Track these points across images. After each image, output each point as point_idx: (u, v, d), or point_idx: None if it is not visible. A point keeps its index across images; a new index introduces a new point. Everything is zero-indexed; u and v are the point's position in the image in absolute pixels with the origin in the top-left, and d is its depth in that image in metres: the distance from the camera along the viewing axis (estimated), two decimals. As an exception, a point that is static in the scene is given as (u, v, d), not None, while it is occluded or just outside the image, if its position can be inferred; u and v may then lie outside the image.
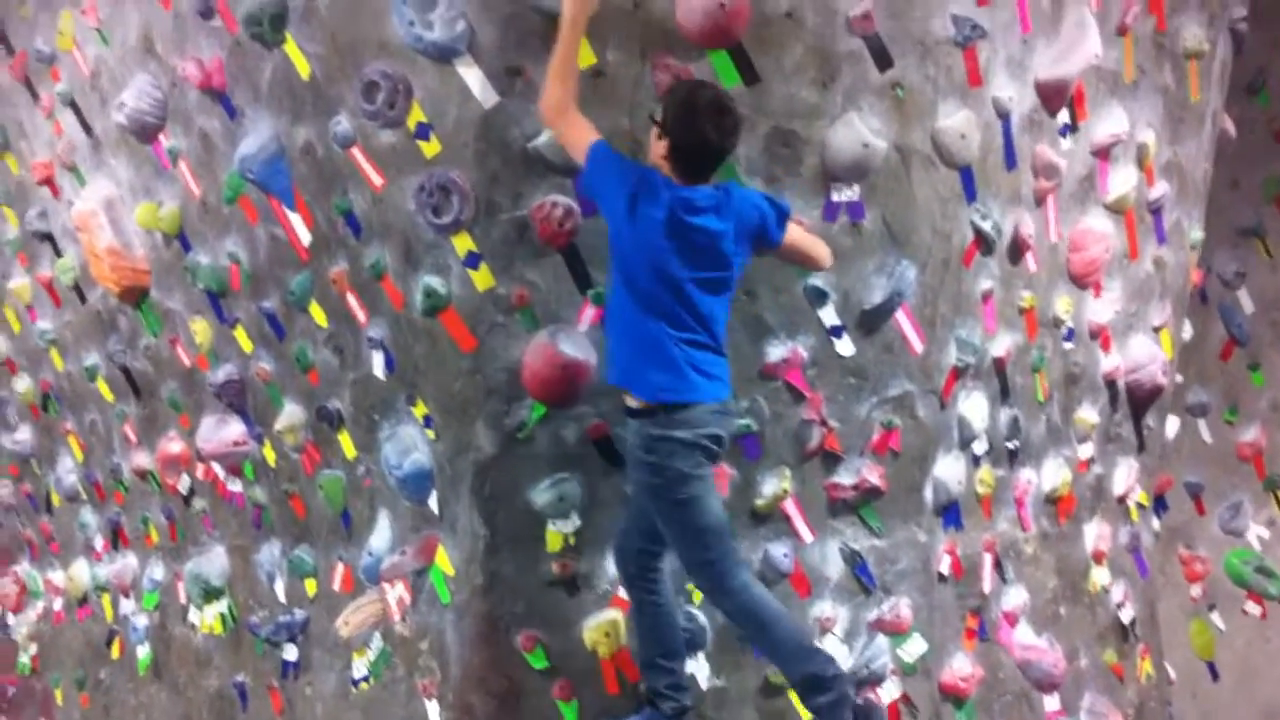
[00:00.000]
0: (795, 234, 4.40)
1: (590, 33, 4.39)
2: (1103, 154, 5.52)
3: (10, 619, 8.28)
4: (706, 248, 4.16)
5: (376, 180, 4.73)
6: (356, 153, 4.75)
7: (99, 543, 7.29)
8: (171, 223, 5.79)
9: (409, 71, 4.56)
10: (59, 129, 6.37)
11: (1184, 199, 6.09)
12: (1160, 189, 5.87)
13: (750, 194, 4.33)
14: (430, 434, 4.94)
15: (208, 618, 6.36)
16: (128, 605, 7.06)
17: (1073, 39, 5.12)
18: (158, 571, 6.80)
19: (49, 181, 6.54)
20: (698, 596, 4.83)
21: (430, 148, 4.60)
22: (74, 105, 6.21)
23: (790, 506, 4.91)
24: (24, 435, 7.67)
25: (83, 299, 6.62)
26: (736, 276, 4.30)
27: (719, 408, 4.25)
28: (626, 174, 4.17)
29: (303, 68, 4.85)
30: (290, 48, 4.85)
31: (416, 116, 4.59)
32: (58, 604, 7.79)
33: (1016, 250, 5.18)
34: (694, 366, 4.20)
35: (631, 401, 4.28)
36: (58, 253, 6.70)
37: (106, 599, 7.26)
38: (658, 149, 4.18)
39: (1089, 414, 5.84)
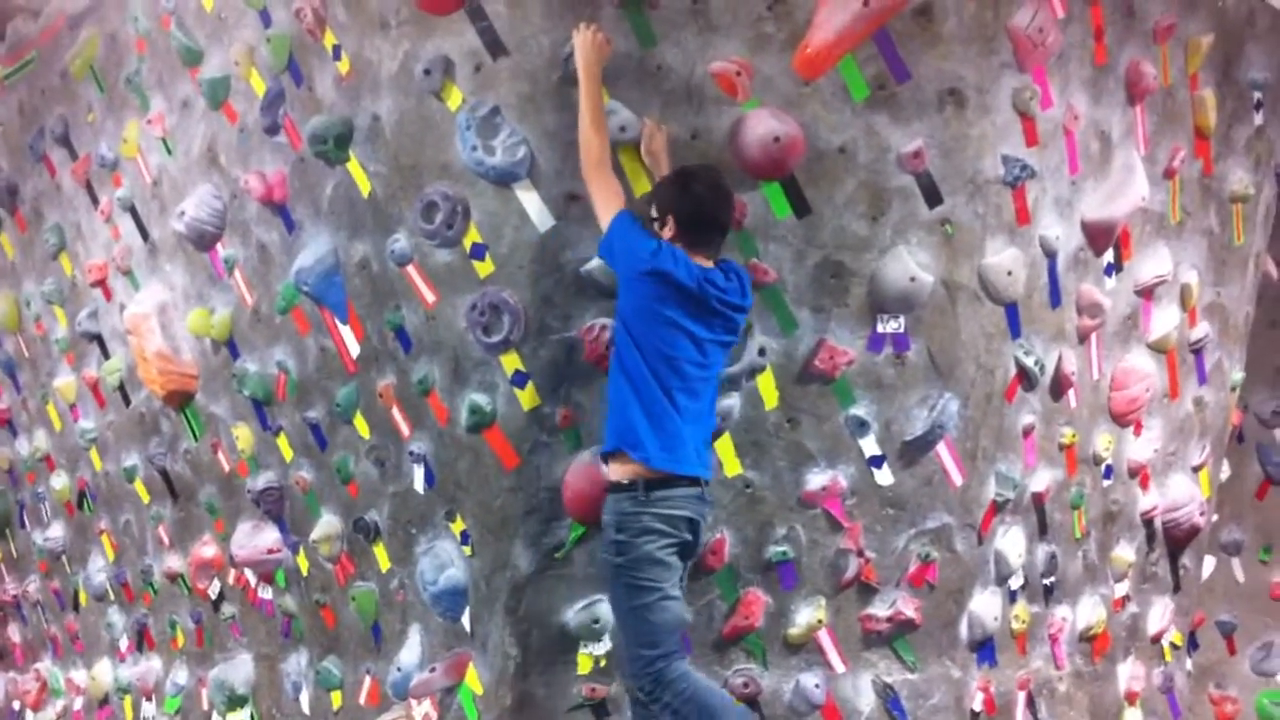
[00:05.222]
0: None
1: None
2: (1146, 294, 5.57)
3: (30, 716, 8.20)
4: (725, 314, 4.31)
5: (430, 297, 4.81)
6: (412, 270, 4.83)
7: (124, 643, 7.26)
8: (222, 330, 5.87)
9: (468, 193, 4.66)
10: (116, 233, 6.50)
11: (1225, 340, 6.12)
12: (1202, 329, 5.91)
13: (739, 267, 4.48)
14: (467, 550, 4.94)
15: (229, 725, 6.32)
16: (149, 708, 7.01)
17: (1120, 181, 5.20)
18: (182, 676, 6.75)
19: (102, 284, 6.65)
20: None
21: (484, 267, 4.68)
22: (133, 211, 6.34)
23: (824, 637, 4.88)
24: (56, 532, 7.67)
25: (127, 401, 6.68)
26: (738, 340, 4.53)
27: (698, 492, 4.31)
28: (653, 238, 4.27)
29: (364, 186, 4.96)
30: (353, 166, 4.98)
31: (473, 237, 4.68)
32: (78, 703, 7.73)
33: (1059, 387, 5.20)
34: (692, 442, 4.29)
35: (614, 474, 4.32)
36: (105, 354, 6.79)
37: (128, 701, 7.20)
38: (665, 235, 4.29)
39: (1126, 552, 5.81)
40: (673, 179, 4.37)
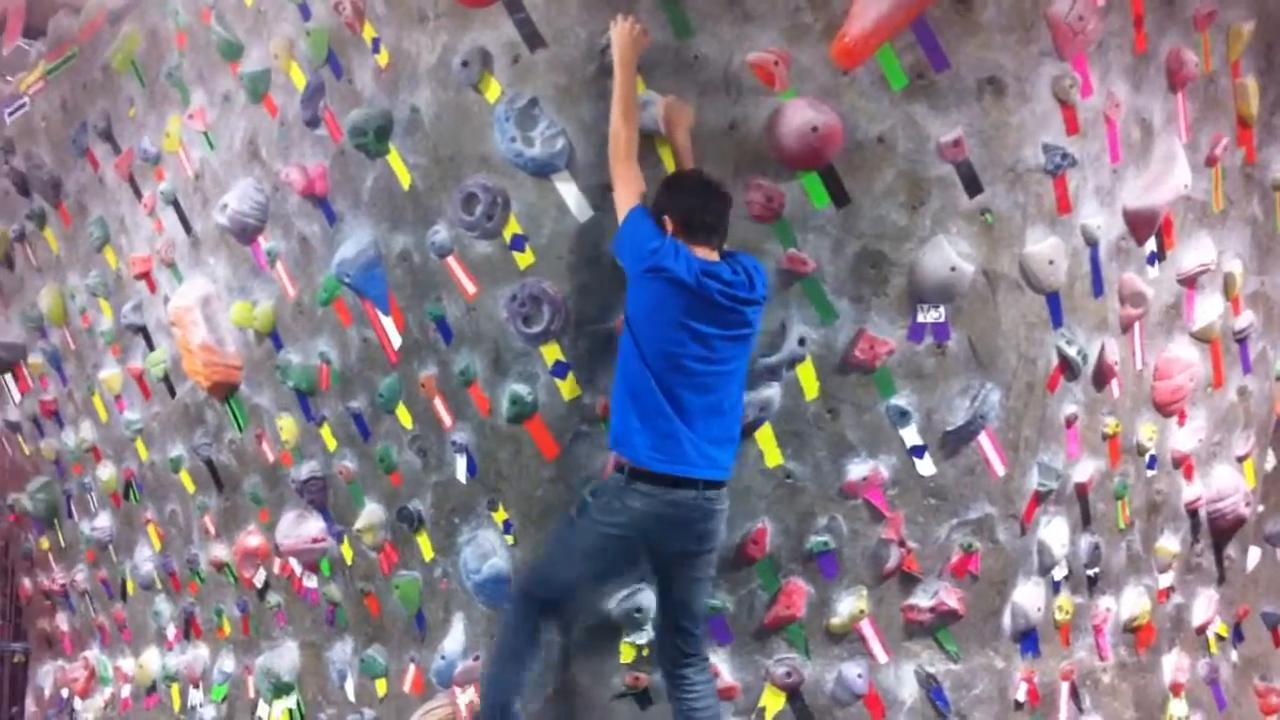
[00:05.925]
0: None
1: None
2: (1189, 282, 5.53)
3: (78, 704, 8.29)
4: (734, 309, 4.29)
5: (470, 289, 4.84)
6: (452, 261, 4.86)
7: (171, 632, 7.33)
8: (265, 321, 5.91)
9: (508, 185, 4.69)
10: (159, 226, 6.56)
11: (1270, 328, 6.06)
12: (1246, 318, 5.86)
13: (751, 260, 4.46)
14: (509, 539, 4.98)
15: (276, 713, 6.35)
16: (196, 696, 7.07)
17: (1162, 170, 5.16)
18: (228, 664, 6.81)
19: (146, 276, 6.71)
20: None
21: (524, 259, 4.71)
22: (176, 204, 6.40)
23: (866, 627, 4.88)
24: (104, 522, 7.74)
25: (172, 392, 6.74)
26: (756, 331, 4.43)
27: (692, 495, 4.28)
28: (660, 233, 4.29)
29: (404, 178, 4.99)
30: (393, 158, 5.01)
31: (512, 228, 4.71)
32: (126, 691, 7.81)
33: (1101, 376, 5.17)
34: (694, 442, 4.28)
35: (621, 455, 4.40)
36: (150, 346, 6.85)
37: (175, 689, 7.27)
38: (669, 232, 4.30)
39: (1170, 543, 5.76)
40: (664, 184, 4.42)
